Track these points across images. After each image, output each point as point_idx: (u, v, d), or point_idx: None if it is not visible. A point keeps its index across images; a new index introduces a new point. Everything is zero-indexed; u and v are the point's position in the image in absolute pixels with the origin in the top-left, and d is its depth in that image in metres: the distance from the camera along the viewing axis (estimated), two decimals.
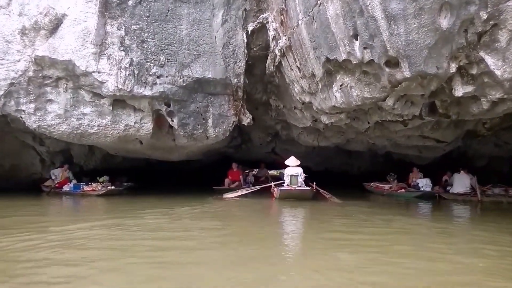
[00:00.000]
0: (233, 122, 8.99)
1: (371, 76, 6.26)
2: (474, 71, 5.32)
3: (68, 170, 11.04)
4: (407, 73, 5.57)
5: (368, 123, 8.33)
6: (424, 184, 11.19)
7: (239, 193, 10.14)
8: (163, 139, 9.29)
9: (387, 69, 5.79)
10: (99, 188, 9.68)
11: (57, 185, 10.38)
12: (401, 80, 5.82)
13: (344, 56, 6.25)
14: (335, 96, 7.14)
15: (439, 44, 5.10)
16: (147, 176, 15.49)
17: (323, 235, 5.07)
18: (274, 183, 10.63)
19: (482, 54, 5.00)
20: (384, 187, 12.47)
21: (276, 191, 9.37)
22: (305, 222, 6.78)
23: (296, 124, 10.54)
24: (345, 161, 15.67)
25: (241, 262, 3.55)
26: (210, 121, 8.80)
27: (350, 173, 16.98)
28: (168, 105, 8.43)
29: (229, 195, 9.93)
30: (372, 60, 5.83)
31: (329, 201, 9.05)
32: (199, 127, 8.84)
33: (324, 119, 8.49)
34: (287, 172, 9.64)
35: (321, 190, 9.52)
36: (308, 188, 9.40)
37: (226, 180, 12.00)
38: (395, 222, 6.26)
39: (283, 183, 9.69)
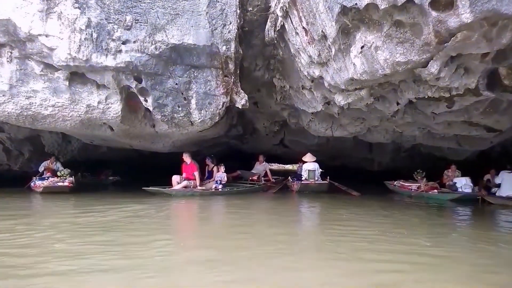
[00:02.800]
0: (223, 103, 7.14)
1: (407, 29, 4.26)
2: None
3: (55, 162, 9.54)
4: (466, 16, 3.59)
5: (397, 104, 6.31)
6: (464, 184, 9.09)
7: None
8: (138, 125, 7.55)
9: (433, 13, 3.81)
10: (56, 182, 7.97)
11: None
12: (455, 30, 3.82)
13: (366, 0, 4.29)
14: (354, 64, 5.18)
15: None
16: (139, 169, 13.97)
17: None
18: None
19: None
20: (411, 186, 10.40)
21: (295, 185, 10.23)
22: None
23: (305, 109, 8.58)
24: (364, 155, 13.59)
25: None
26: (193, 101, 6.99)
27: (369, 169, 14.89)
28: (139, 80, 6.66)
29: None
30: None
31: (347, 193, 9.58)
32: (180, 109, 7.04)
33: (339, 99, 6.53)
34: (305, 167, 10.49)
35: (336, 183, 10.09)
36: (325, 181, 10.15)
37: (175, 178, 8.85)
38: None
39: (299, 177, 10.56)
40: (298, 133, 12.23)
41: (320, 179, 10.31)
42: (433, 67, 4.41)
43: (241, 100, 7.20)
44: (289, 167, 16.60)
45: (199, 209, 7.24)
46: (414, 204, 8.59)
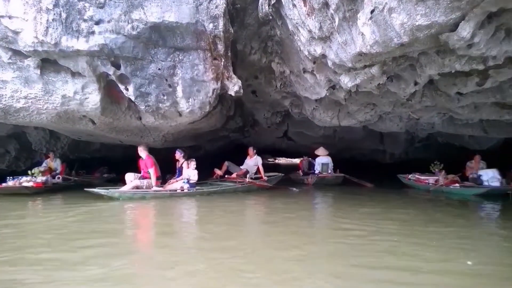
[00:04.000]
0: (214, 90, 6.31)
1: None
2: None
3: (55, 159, 8.96)
4: None
5: (415, 84, 5.39)
6: (491, 177, 8.09)
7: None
8: (123, 118, 6.80)
9: None
10: (26, 183, 7.19)
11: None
12: None
13: None
14: (362, 34, 4.27)
15: None
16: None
17: None
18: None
19: None
20: (428, 180, 9.43)
21: (311, 178, 10.37)
22: None
23: (308, 96, 7.70)
24: (374, 147, 12.63)
25: None
26: (179, 89, 6.18)
27: (380, 162, 13.92)
28: (117, 66, 5.88)
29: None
30: None
31: (360, 185, 9.80)
32: (165, 98, 6.25)
33: (346, 80, 5.62)
34: (318, 161, 10.65)
35: (348, 176, 10.17)
36: (341, 174, 10.28)
37: (129, 176, 7.35)
38: None
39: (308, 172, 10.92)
40: (302, 124, 11.37)
41: (332, 172, 10.46)
42: (465, 30, 3.48)
43: (234, 87, 6.36)
44: (297, 161, 15.59)
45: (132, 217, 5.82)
46: (436, 200, 7.66)
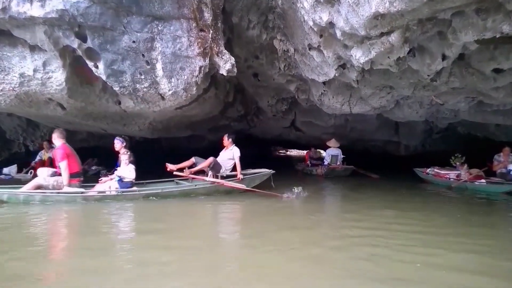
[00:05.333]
0: (201, 68, 5.33)
1: None
2: None
3: (50, 149, 8.00)
4: None
5: (444, 57, 4.33)
6: None
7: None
8: (97, 102, 5.88)
9: None
10: None
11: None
12: None
13: None
14: None
15: None
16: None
17: None
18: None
19: None
20: (449, 174, 8.38)
21: (321, 169, 10.37)
22: None
23: (315, 78, 6.67)
24: (388, 138, 11.55)
25: None
26: (159, 66, 5.21)
27: (394, 154, 12.83)
28: (83, 38, 4.93)
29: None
30: None
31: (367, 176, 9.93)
32: (143, 77, 5.30)
33: (358, 55, 4.58)
34: (328, 152, 10.68)
35: (355, 168, 10.38)
36: (350, 166, 10.38)
37: (41, 172, 5.62)
38: None
39: (325, 162, 10.61)
40: (311, 113, 10.35)
41: (341, 164, 10.47)
42: None
43: (225, 64, 5.37)
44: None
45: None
46: (462, 199, 6.64)
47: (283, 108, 10.16)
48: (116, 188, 5.60)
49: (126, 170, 5.81)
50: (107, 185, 5.70)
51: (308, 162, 11.61)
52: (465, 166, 8.14)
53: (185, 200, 5.77)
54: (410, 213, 5.10)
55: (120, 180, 5.70)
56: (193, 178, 6.36)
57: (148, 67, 5.23)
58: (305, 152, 13.70)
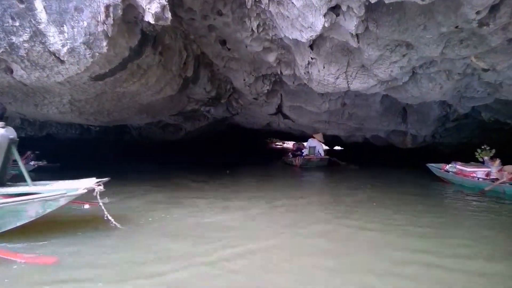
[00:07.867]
0: (108, 7, 3.30)
1: None
2: None
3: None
4: None
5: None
6: None
7: None
8: None
9: None
10: None
11: None
12: None
13: None
14: None
15: None
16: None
17: None
18: None
19: None
20: (476, 173, 6.46)
21: (298, 160, 10.37)
22: None
23: (298, 37, 4.65)
24: (393, 127, 9.59)
25: None
26: (39, 4, 3.21)
27: (399, 147, 10.86)
28: None
29: None
30: None
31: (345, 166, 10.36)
32: (18, 24, 3.29)
33: None
34: (307, 144, 10.87)
35: (333, 159, 10.79)
36: (326, 157, 10.55)
37: None
38: None
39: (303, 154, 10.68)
40: (300, 95, 8.42)
41: (320, 155, 10.62)
42: None
43: (150, 4, 3.36)
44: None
45: None
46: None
47: (264, 89, 8.15)
48: None
49: None
50: None
51: (290, 153, 11.75)
52: (497, 161, 6.24)
53: None
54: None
55: None
56: None
57: (23, 6, 3.22)
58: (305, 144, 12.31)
